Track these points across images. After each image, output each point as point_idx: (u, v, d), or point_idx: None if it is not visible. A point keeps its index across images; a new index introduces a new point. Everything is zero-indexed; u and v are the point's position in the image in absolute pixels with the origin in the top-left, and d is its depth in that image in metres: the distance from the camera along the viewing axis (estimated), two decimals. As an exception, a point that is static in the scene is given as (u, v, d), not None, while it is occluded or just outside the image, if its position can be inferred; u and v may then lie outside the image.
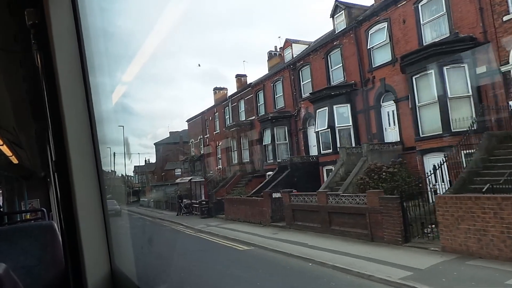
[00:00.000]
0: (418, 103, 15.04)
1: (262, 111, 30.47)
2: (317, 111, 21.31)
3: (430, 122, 14.63)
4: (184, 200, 25.87)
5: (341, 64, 21.35)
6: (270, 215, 15.94)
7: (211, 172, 41.13)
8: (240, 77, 39.16)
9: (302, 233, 13.68)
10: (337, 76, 21.85)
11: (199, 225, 19.00)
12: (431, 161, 13.99)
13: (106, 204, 1.76)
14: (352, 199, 12.78)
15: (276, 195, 20.80)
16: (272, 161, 26.59)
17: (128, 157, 65.35)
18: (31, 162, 6.93)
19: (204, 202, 22.21)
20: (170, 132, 76.30)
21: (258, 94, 31.18)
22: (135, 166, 73.23)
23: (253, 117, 31.66)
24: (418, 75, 14.98)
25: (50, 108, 1.63)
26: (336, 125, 20.13)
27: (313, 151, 24.45)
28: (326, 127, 20.47)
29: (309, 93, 22.24)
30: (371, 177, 15.12)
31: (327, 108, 20.48)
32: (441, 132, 13.97)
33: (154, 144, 71.16)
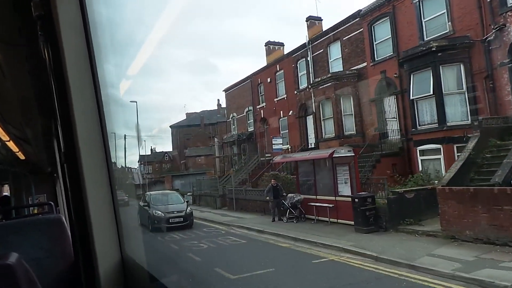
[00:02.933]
0: None
1: (383, 52, 19.10)
2: None
3: None
4: (290, 195, 14.53)
5: None
6: None
7: (268, 155, 29.82)
8: (313, 20, 27.62)
9: None
10: None
11: (436, 265, 7.59)
12: None
13: (116, 194, 1.72)
14: None
15: None
16: (434, 125, 15.28)
17: (140, 144, 53.91)
18: (37, 158, 6.82)
19: (368, 201, 10.79)
20: (186, 114, 65.03)
21: (373, 27, 19.74)
22: (140, 156, 61.47)
23: (363, 64, 20.26)
24: None
25: (59, 99, 1.61)
26: None
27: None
28: None
29: None
30: None
31: None
32: None
33: (170, 127, 59.68)
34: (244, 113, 33.64)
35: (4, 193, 11.83)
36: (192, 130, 58.39)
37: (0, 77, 2.49)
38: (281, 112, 28.10)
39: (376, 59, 19.56)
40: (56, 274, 1.91)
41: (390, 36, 18.70)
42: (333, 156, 12.36)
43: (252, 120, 32.66)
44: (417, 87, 15.93)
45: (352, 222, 11.50)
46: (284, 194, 15.23)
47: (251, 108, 32.45)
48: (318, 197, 13.91)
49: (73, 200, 1.63)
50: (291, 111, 26.73)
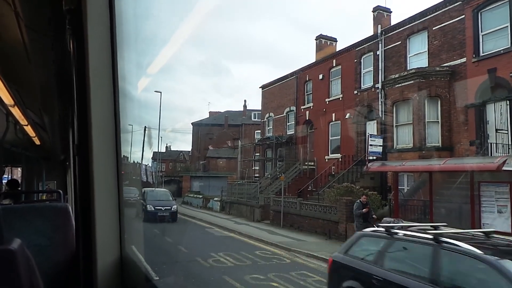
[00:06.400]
0: None
1: (494, 45, 14.93)
2: None
3: None
4: (387, 219, 10.25)
5: None
6: None
7: (310, 163, 25.71)
8: (381, 11, 23.55)
9: None
10: None
11: None
12: None
13: (122, 191, 1.73)
14: None
15: None
16: None
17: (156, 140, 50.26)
18: (52, 145, 6.89)
19: None
20: (210, 112, 61.40)
21: (481, 13, 15.58)
22: (154, 152, 58.22)
23: (461, 60, 16.09)
24: None
25: (78, 93, 1.65)
26: None
27: None
28: None
29: None
30: None
31: None
32: None
33: (192, 124, 55.99)
34: (284, 114, 29.63)
35: (14, 177, 11.89)
36: (214, 130, 54.61)
37: (25, 63, 2.55)
38: (333, 114, 23.99)
39: (481, 54, 15.39)
40: (56, 262, 1.91)
41: (508, 24, 14.54)
42: (503, 168, 8.13)
43: (292, 122, 28.65)
44: None
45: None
46: (374, 216, 11.07)
47: (293, 108, 28.44)
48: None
49: (81, 193, 1.64)
50: (347, 114, 22.60)
